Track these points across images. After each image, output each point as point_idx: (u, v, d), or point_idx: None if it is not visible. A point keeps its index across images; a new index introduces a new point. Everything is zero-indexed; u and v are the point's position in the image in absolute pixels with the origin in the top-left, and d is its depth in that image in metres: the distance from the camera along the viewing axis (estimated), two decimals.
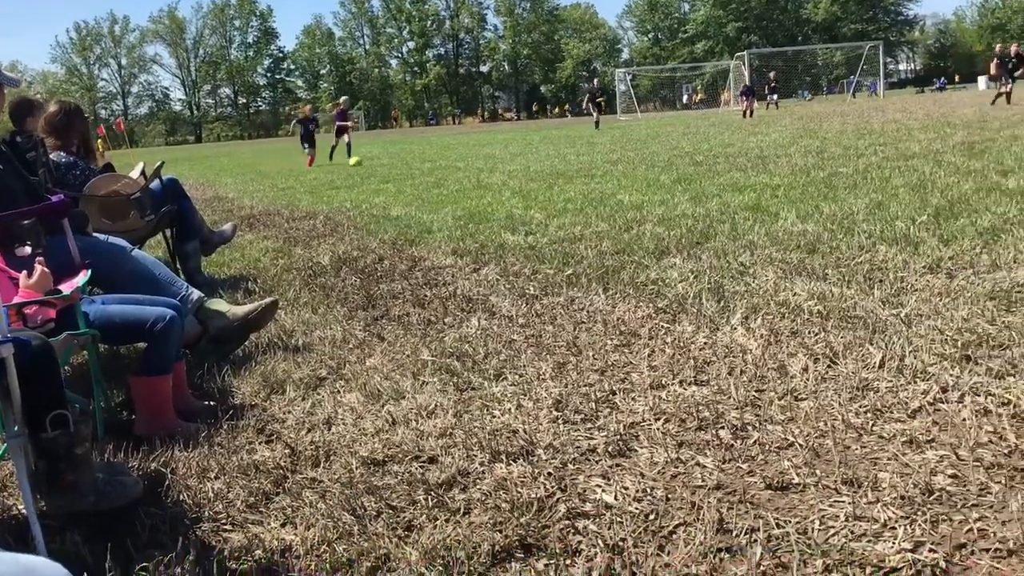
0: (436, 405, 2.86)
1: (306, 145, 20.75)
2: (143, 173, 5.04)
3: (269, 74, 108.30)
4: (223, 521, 2.20)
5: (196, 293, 3.72)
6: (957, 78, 77.81)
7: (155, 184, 5.04)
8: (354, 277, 5.28)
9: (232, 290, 5.12)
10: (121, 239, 3.92)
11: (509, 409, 2.78)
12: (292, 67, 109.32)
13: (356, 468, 2.42)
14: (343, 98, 24.12)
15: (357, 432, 2.69)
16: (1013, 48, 24.31)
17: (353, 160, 18.03)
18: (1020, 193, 6.07)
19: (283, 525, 2.14)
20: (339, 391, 3.12)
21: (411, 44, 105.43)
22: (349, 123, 21.83)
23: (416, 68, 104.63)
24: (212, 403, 3.08)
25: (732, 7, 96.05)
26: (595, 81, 36.89)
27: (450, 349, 3.51)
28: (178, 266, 5.11)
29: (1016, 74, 23.51)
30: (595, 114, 30.94)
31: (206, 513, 2.24)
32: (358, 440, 2.62)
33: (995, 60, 24.07)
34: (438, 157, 17.62)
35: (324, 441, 2.63)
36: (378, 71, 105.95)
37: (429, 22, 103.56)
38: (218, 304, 3.76)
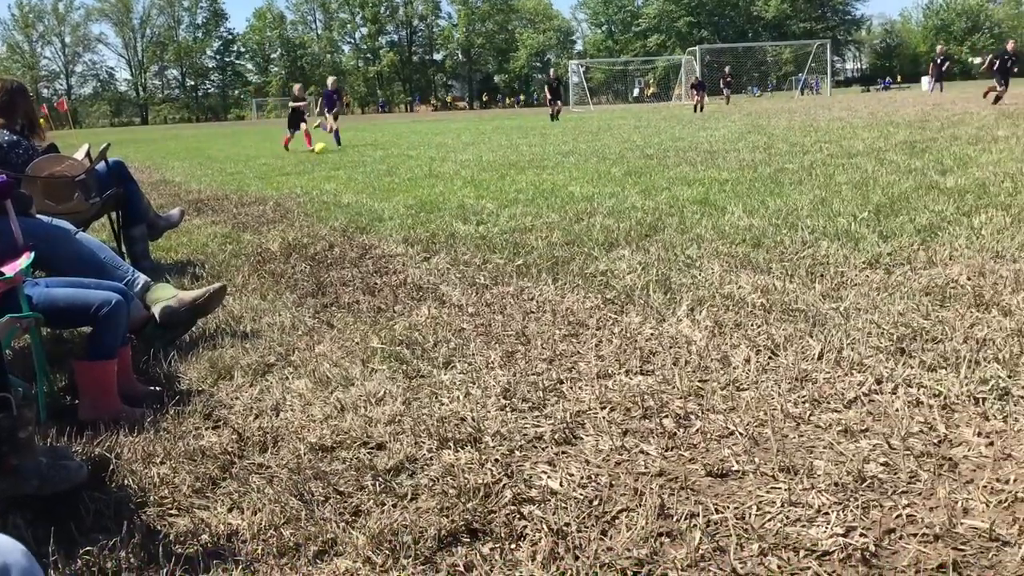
0: (385, 392, 2.87)
1: (291, 129, 19.22)
2: (88, 155, 4.95)
3: (218, 56, 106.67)
4: (169, 506, 2.19)
5: (142, 277, 3.68)
6: (900, 78, 79.36)
7: (100, 166, 4.95)
8: (304, 264, 5.25)
9: (179, 275, 5.07)
10: (65, 221, 3.85)
11: (458, 397, 2.80)
12: (242, 50, 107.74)
13: (304, 454, 2.43)
14: (331, 78, 21.96)
15: (305, 418, 2.70)
16: (1010, 45, 23.70)
17: (319, 147, 17.30)
18: (958, 192, 6.25)
19: (230, 510, 2.15)
20: (288, 377, 3.12)
21: (364, 30, 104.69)
22: (335, 107, 20.39)
23: (369, 54, 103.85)
24: (158, 388, 3.06)
25: (684, 2, 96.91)
26: (551, 72, 36.74)
27: (400, 337, 3.53)
28: (124, 250, 5.04)
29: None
30: (556, 105, 30.61)
31: (151, 498, 2.23)
32: (306, 426, 2.63)
33: (990, 57, 23.74)
34: (390, 145, 17.53)
35: (272, 427, 2.63)
36: (330, 56, 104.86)
37: (382, 8, 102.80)
38: (165, 289, 3.73)
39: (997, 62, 23.25)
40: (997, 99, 21.59)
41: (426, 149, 16.56)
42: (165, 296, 3.64)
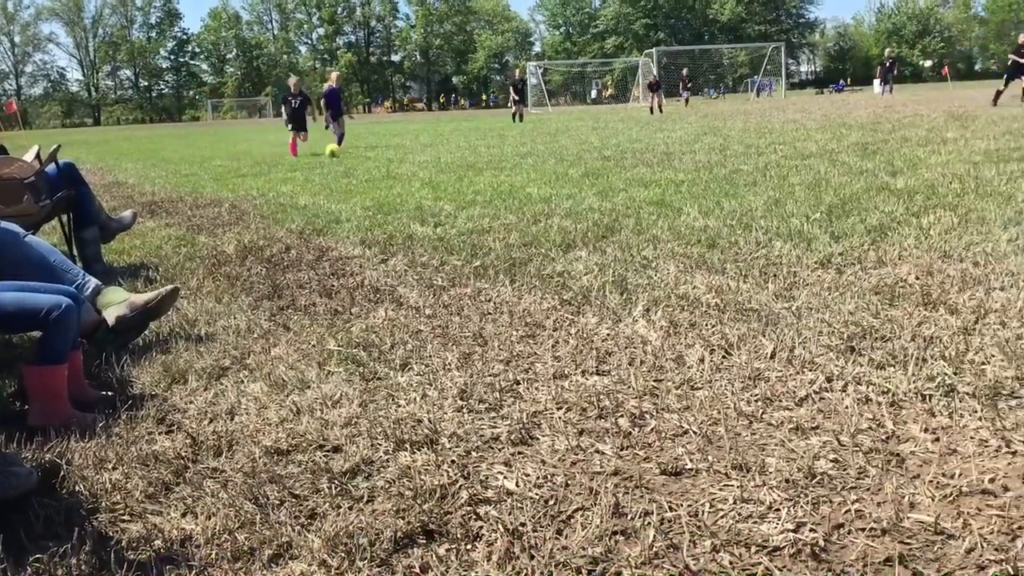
0: (341, 395, 2.86)
1: (292, 126, 17.10)
2: (38, 156, 4.86)
3: (172, 57, 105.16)
4: (121, 512, 2.17)
5: (93, 281, 3.63)
6: (850, 80, 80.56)
7: (50, 168, 4.87)
8: (260, 266, 5.21)
9: (132, 278, 5.00)
10: (14, 224, 3.79)
11: (414, 398, 2.80)
12: (197, 50, 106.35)
13: (259, 457, 2.41)
14: (334, 73, 20.03)
15: (261, 422, 2.68)
16: (1023, 38, 21.33)
17: (329, 148, 15.50)
18: (907, 193, 6.37)
19: (183, 515, 2.13)
20: (243, 381, 3.10)
21: (321, 31, 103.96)
22: (343, 109, 18.38)
23: (326, 55, 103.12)
24: (110, 393, 3.02)
25: (641, 4, 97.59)
26: (516, 73, 36.50)
27: (356, 339, 3.52)
28: (75, 253, 4.96)
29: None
30: (519, 106, 30.20)
31: (103, 504, 2.20)
32: (262, 430, 2.61)
33: (1012, 57, 21.40)
34: (347, 146, 17.42)
35: (227, 431, 2.61)
36: (287, 57, 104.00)
37: (339, 9, 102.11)
38: (116, 292, 3.68)
39: (1014, 58, 21.35)
40: None
41: (384, 150, 16.50)
42: (117, 300, 3.59)
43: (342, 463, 2.34)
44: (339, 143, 17.19)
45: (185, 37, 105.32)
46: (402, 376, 3.04)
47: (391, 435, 2.49)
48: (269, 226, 6.83)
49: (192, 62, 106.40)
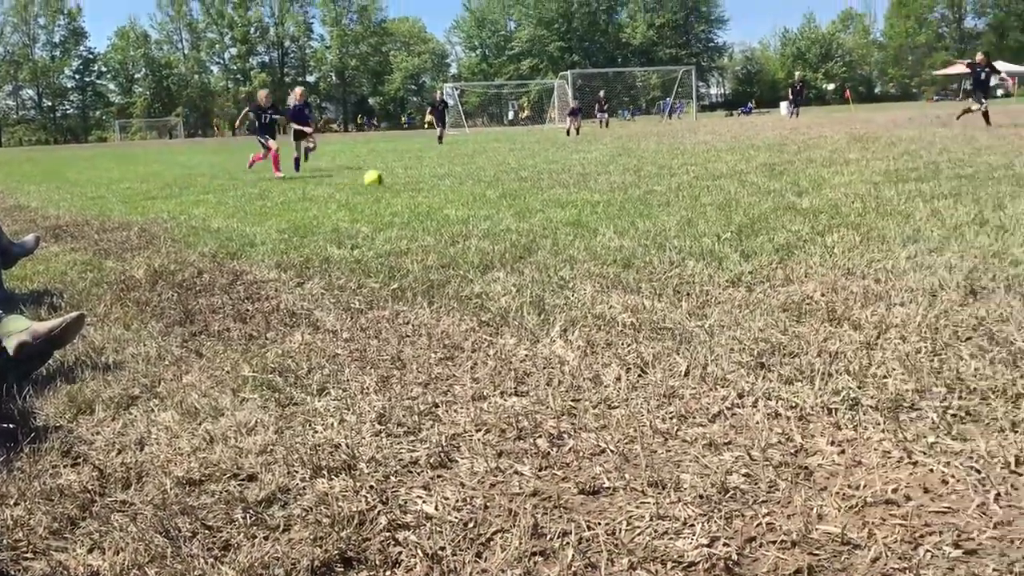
0: (256, 422, 2.81)
1: (267, 137, 15.68)
2: None
3: (78, 76, 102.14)
4: (23, 549, 2.08)
5: None
6: (754, 102, 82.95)
7: None
8: (171, 291, 5.09)
9: (35, 306, 4.82)
10: None
11: (332, 424, 2.77)
12: (104, 70, 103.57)
13: (170, 489, 2.35)
14: (298, 88, 17.89)
15: (172, 452, 2.61)
16: (980, 57, 20.52)
17: (371, 177, 12.40)
18: (813, 212, 6.59)
19: (90, 551, 2.06)
20: (153, 410, 3.01)
21: (233, 51, 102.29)
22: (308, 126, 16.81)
23: (239, 75, 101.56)
24: (11, 426, 2.90)
25: (555, 28, 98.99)
26: (437, 93, 36.26)
27: (272, 364, 3.46)
28: None
29: (991, 88, 20.70)
30: (441, 127, 29.99)
31: (4, 542, 2.11)
32: (173, 460, 2.55)
33: (970, 73, 20.70)
34: (262, 168, 17.16)
35: (136, 462, 2.54)
36: (198, 77, 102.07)
37: (252, 29, 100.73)
38: (17, 321, 3.55)
39: (972, 78, 20.67)
40: (986, 117, 19.08)
41: (300, 172, 16.30)
42: (18, 328, 3.46)
43: (257, 492, 2.30)
44: (305, 158, 16.85)
45: (91, 56, 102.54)
46: (319, 401, 3.01)
47: (308, 462, 2.46)
48: (181, 250, 6.68)
49: (99, 82, 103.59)
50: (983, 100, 19.44)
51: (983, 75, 19.82)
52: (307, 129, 16.71)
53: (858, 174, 9.49)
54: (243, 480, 2.39)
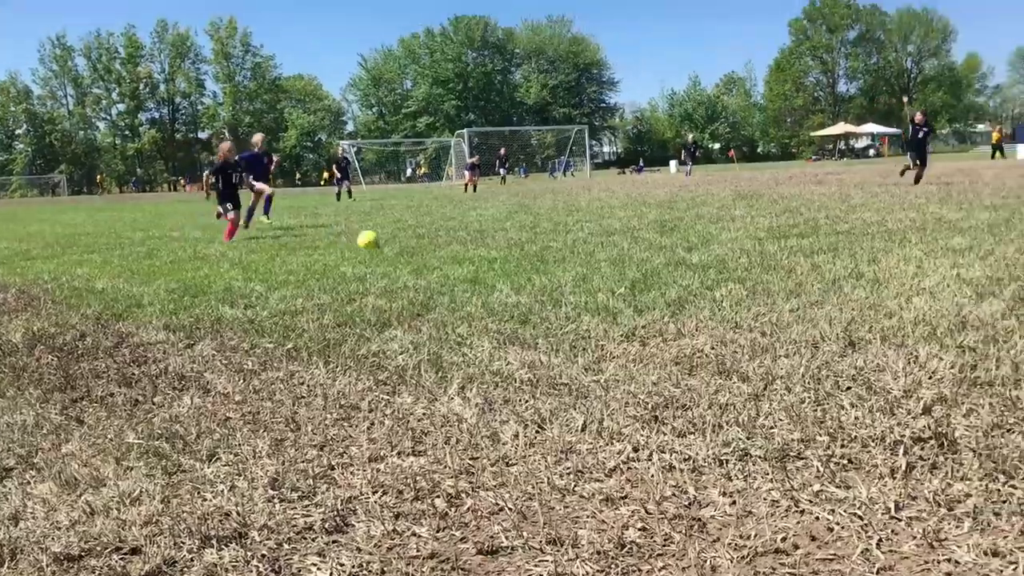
0: (141, 491, 2.70)
1: (228, 206, 12.72)
2: None
3: None
4: None
5: None
6: (642, 161, 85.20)
7: None
8: (51, 356, 4.87)
9: None
10: None
11: (222, 490, 2.68)
12: None
13: (47, 566, 2.23)
14: (258, 135, 16.82)
15: (49, 526, 2.48)
16: (918, 116, 19.30)
17: (366, 239, 10.21)
18: (702, 267, 6.80)
19: None
20: (29, 482, 2.86)
21: (121, 106, 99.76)
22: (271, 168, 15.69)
23: (127, 131, 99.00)
24: None
25: (451, 87, 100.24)
26: (339, 150, 35.97)
27: (159, 430, 3.34)
28: None
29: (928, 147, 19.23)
30: (343, 184, 29.20)
31: None
32: (50, 535, 2.42)
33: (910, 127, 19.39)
34: (151, 226, 16.70)
35: (10, 538, 2.40)
36: (83, 133, 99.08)
37: (142, 85, 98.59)
38: None
39: (909, 136, 19.72)
40: (917, 179, 18.28)
41: (191, 230, 15.94)
42: None
43: (141, 566, 2.20)
44: (266, 212, 15.66)
45: None
46: (209, 467, 2.91)
47: (196, 532, 2.37)
48: (62, 312, 6.41)
49: None
50: (918, 161, 18.61)
51: (920, 133, 18.97)
52: (266, 189, 15.70)
53: (744, 230, 9.86)
54: (126, 554, 2.29)
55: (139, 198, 58.82)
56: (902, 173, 19.46)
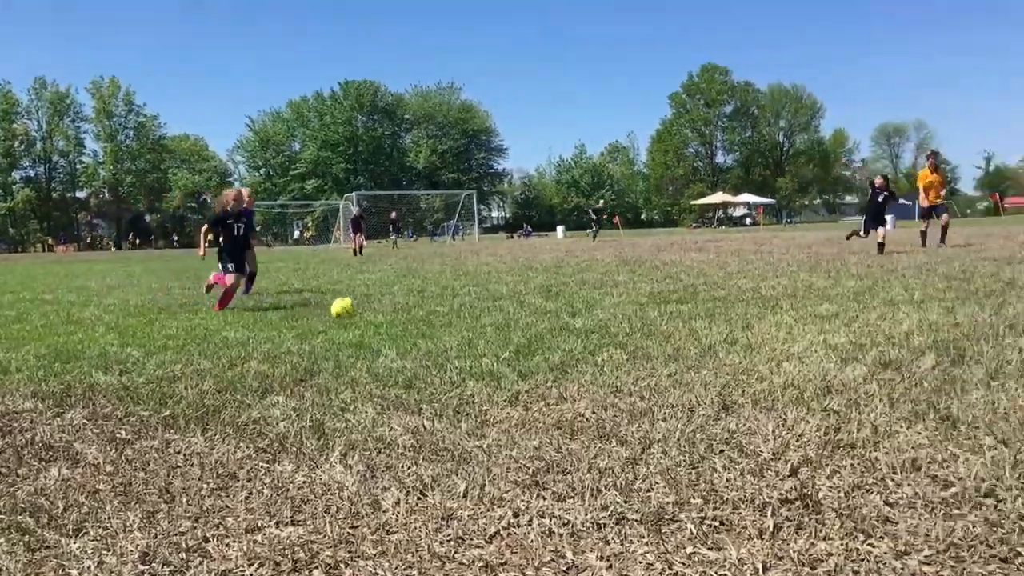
0: (1, 569, 2.57)
1: (231, 266, 10.50)
2: None
3: None
4: None
5: None
6: (529, 227, 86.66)
7: None
8: None
9: None
10: None
11: (88, 567, 2.58)
12: None
13: None
14: (244, 190, 12.01)
15: None
16: (879, 180, 18.88)
17: (339, 306, 9.11)
18: (585, 332, 6.96)
19: None
20: None
21: None
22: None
23: (0, 190, 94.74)
24: None
25: (340, 150, 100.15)
26: (358, 210, 35.28)
27: (22, 504, 3.19)
28: None
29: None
30: (358, 238, 28.45)
31: None
32: None
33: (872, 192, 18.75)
34: (21, 288, 15.97)
35: None
36: None
37: (17, 143, 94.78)
38: None
39: (869, 202, 18.94)
40: (881, 248, 17.20)
41: (65, 292, 15.30)
42: None
43: None
44: (249, 285, 12.38)
45: None
46: (75, 542, 2.80)
47: None
48: None
49: None
50: (877, 227, 17.85)
51: (880, 197, 18.31)
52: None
53: (626, 295, 10.14)
54: None
55: (8, 258, 56.15)
56: (848, 237, 19.52)
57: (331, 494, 3.20)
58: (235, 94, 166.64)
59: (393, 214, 45.38)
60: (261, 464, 3.63)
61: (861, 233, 18.86)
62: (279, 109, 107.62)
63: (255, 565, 2.58)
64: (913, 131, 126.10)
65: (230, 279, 10.40)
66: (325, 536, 2.78)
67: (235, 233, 10.57)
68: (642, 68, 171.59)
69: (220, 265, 10.65)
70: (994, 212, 78.86)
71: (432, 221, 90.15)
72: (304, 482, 3.37)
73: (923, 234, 19.17)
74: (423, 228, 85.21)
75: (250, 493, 3.27)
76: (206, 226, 11.07)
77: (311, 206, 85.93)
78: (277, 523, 2.93)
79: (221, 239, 10.56)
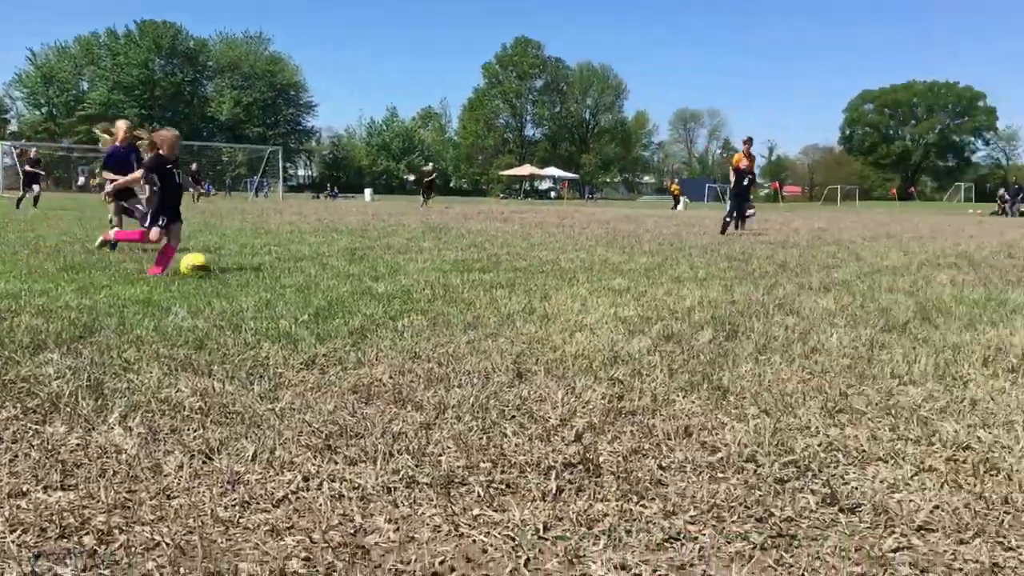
0: None
1: (163, 219, 8.97)
2: None
3: None
4: None
5: None
6: (333, 187, 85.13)
7: None
8: None
9: None
10: None
11: None
12: None
13: None
14: (120, 122, 12.34)
15: None
16: (744, 162, 18.84)
17: (193, 260, 8.61)
18: (387, 297, 6.92)
19: None
20: None
21: None
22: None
23: None
24: None
25: (135, 93, 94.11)
26: (34, 151, 31.64)
27: None
28: None
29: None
30: (31, 190, 25.47)
31: None
32: None
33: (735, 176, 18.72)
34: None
35: None
36: None
37: None
38: None
39: (734, 183, 19.03)
40: (724, 227, 17.83)
41: None
42: None
43: None
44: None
45: None
46: None
47: None
48: None
49: None
50: (739, 208, 18.07)
51: (745, 181, 18.41)
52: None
53: (430, 262, 10.17)
54: None
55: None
56: (723, 232, 18.25)
57: (107, 457, 3.03)
58: (16, 22, 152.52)
59: (194, 166, 43.09)
60: (29, 425, 3.38)
61: (728, 219, 18.42)
62: (66, 44, 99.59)
63: (18, 531, 2.40)
64: (707, 118, 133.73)
65: (155, 233, 8.96)
66: (98, 501, 2.63)
67: (176, 180, 9.24)
68: (458, 36, 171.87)
69: (148, 217, 9.16)
70: (774, 199, 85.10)
71: (233, 176, 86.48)
72: (78, 445, 3.17)
73: (727, 223, 18.56)
74: (223, 183, 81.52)
75: (16, 456, 3.04)
76: (140, 171, 9.56)
77: (99, 151, 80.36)
78: (45, 488, 2.75)
79: (160, 186, 9.07)
